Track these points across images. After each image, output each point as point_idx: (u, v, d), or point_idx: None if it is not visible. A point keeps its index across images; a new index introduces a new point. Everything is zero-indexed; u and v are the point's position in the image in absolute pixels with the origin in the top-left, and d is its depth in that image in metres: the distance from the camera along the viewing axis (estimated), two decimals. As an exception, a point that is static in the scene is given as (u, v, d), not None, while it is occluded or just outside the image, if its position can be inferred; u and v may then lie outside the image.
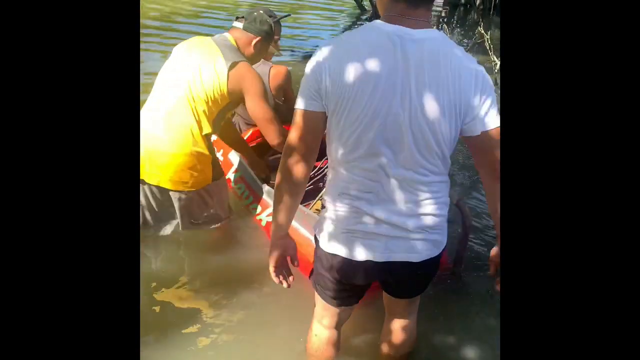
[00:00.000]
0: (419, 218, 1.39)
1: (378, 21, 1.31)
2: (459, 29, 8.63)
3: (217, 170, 2.38)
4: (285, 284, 1.54)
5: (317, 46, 5.56)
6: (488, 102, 1.30)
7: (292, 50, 6.53)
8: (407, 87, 1.26)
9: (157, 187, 2.33)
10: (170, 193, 2.35)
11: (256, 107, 2.27)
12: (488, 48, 5.46)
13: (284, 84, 3.02)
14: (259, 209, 2.59)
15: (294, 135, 1.36)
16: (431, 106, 1.27)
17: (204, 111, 2.23)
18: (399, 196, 1.36)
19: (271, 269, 1.51)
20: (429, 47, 1.27)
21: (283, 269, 1.53)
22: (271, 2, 9.41)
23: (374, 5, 8.81)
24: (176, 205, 2.40)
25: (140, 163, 2.27)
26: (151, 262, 2.50)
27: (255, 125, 2.92)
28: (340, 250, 1.44)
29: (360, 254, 1.42)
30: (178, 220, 2.45)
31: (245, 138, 2.90)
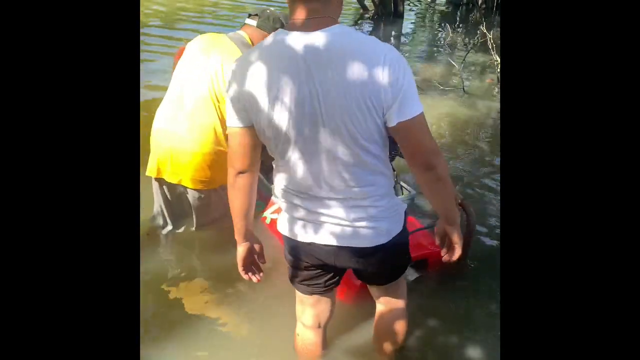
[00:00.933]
0: (356, 210, 1.43)
1: (281, 30, 1.33)
2: (461, 28, 8.61)
3: None
4: (255, 279, 1.64)
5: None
6: (401, 91, 1.26)
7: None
8: (313, 91, 1.28)
9: (175, 185, 2.36)
10: (189, 191, 2.38)
11: None
12: (490, 47, 5.45)
13: None
14: (261, 205, 2.59)
15: (229, 149, 1.47)
16: (340, 105, 1.27)
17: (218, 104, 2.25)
18: (333, 194, 1.41)
19: (239, 268, 1.61)
20: (328, 46, 1.26)
21: (252, 266, 1.64)
22: (273, 1, 9.43)
23: (376, 5, 8.80)
24: (193, 204, 2.44)
25: (161, 162, 2.32)
26: (157, 260, 2.51)
27: None
28: (291, 234, 1.54)
29: (305, 237, 1.51)
30: (194, 218, 2.50)
31: None
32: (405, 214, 1.57)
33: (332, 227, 1.47)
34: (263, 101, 1.32)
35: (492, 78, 5.55)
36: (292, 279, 1.70)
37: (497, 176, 3.44)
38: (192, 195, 2.41)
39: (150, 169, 2.38)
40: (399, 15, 8.76)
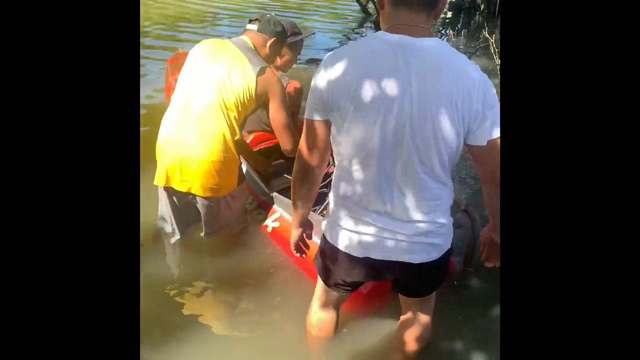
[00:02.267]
0: (417, 224, 1.43)
1: (381, 32, 1.33)
2: (463, 33, 8.62)
3: (241, 174, 2.42)
4: (303, 255, 1.77)
5: (320, 50, 5.55)
6: (492, 111, 1.31)
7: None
8: (408, 96, 1.28)
9: (184, 194, 2.36)
10: (198, 199, 2.39)
11: (278, 113, 2.33)
12: (493, 52, 5.46)
13: (298, 100, 3.04)
14: (262, 213, 2.59)
15: (303, 142, 1.46)
16: (432, 114, 1.29)
17: (234, 117, 2.28)
18: (398, 203, 1.40)
19: (292, 246, 1.73)
20: (431, 56, 1.28)
21: (301, 244, 1.75)
22: (275, 5, 9.46)
23: (378, 10, 8.83)
24: (203, 212, 2.44)
25: (170, 170, 2.30)
26: (161, 265, 2.51)
27: (255, 131, 2.94)
28: (342, 246, 1.51)
29: (359, 252, 1.49)
30: (203, 226, 2.50)
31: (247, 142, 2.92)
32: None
33: (389, 242, 1.46)
34: (348, 94, 1.30)
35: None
36: (326, 281, 1.71)
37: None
38: (201, 203, 2.40)
39: (158, 178, 2.36)
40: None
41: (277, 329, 2.10)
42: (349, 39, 7.86)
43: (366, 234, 1.47)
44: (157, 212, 2.59)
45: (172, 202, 2.48)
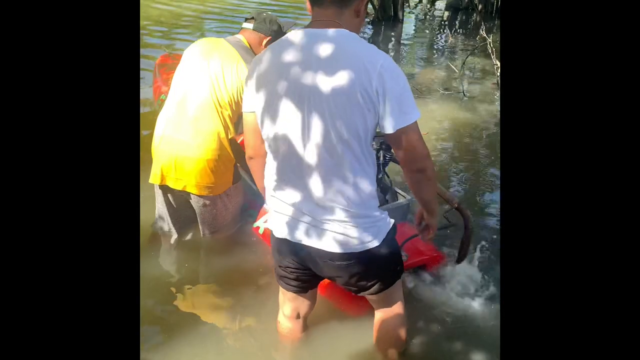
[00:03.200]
0: (329, 210, 1.45)
1: (303, 28, 1.44)
2: (461, 33, 8.63)
3: (237, 172, 2.41)
4: None
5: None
6: (398, 99, 1.33)
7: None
8: (308, 81, 1.37)
9: (179, 193, 2.36)
10: (193, 198, 2.38)
11: None
12: (490, 52, 5.46)
13: None
14: (254, 215, 2.56)
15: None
16: (333, 97, 1.34)
17: (229, 115, 2.27)
18: (313, 186, 1.45)
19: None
20: (334, 42, 1.36)
21: None
22: (273, 4, 9.44)
23: (376, 9, 8.82)
24: (198, 211, 2.44)
25: (165, 169, 2.31)
26: (158, 265, 2.51)
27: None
28: (272, 228, 1.61)
29: (279, 232, 1.57)
30: (200, 226, 2.50)
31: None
32: (393, 229, 1.57)
33: (304, 226, 1.50)
34: (263, 86, 1.44)
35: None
36: (276, 274, 1.76)
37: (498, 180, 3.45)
38: (196, 202, 2.40)
39: (153, 176, 2.37)
40: (398, 20, 8.78)
41: (274, 328, 2.10)
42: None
43: (285, 215, 1.53)
44: (153, 211, 2.59)
45: (167, 201, 2.47)
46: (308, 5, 1.46)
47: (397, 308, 1.77)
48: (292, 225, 1.53)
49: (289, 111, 1.41)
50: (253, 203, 2.63)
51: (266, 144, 1.52)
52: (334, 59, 1.34)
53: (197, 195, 2.35)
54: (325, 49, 1.35)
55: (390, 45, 7.75)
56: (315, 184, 1.44)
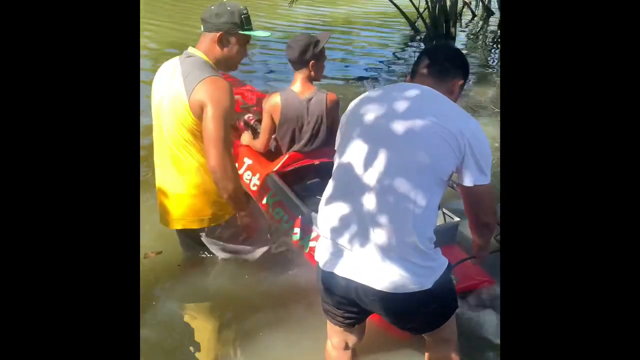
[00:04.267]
0: (392, 248, 1.42)
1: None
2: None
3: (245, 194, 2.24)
4: None
5: (368, 69, 5.53)
6: (478, 157, 1.42)
7: (346, 70, 6.58)
8: (395, 122, 1.44)
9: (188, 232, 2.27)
10: (197, 232, 2.27)
11: (211, 124, 1.91)
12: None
13: (335, 112, 2.91)
14: (298, 233, 2.54)
15: None
16: (423, 138, 1.42)
17: (194, 144, 2.03)
18: (377, 222, 1.43)
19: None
20: (432, 95, 1.49)
21: None
22: (321, 23, 9.55)
23: (427, 26, 8.77)
24: (205, 240, 2.31)
25: (165, 210, 2.19)
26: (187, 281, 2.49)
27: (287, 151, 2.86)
28: (319, 259, 1.58)
29: (328, 266, 1.54)
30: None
31: (280, 163, 2.83)
32: (448, 268, 1.54)
33: (358, 262, 1.47)
34: (352, 125, 1.54)
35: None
36: (322, 306, 1.72)
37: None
38: (201, 235, 2.29)
39: (161, 219, 2.29)
40: (450, 37, 8.70)
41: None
42: (398, 57, 7.82)
43: (337, 248, 1.51)
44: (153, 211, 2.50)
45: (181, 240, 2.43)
46: (408, 77, 1.62)
47: (449, 345, 1.73)
48: (344, 259, 1.49)
49: (365, 148, 1.46)
50: (293, 216, 2.61)
51: (332, 177, 1.57)
52: (433, 109, 1.44)
53: (197, 228, 2.23)
54: (425, 98, 1.47)
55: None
56: (380, 220, 1.42)
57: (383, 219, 1.42)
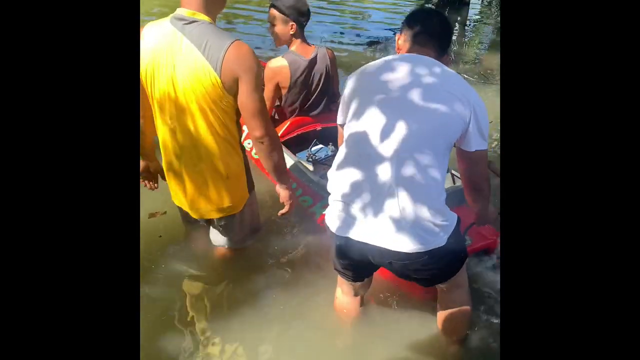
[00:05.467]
0: (409, 209, 1.50)
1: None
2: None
3: (250, 180, 2.07)
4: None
5: (381, 30, 5.38)
6: (481, 124, 1.54)
7: (358, 36, 6.52)
8: (407, 92, 1.53)
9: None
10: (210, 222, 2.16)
11: (249, 97, 1.76)
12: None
13: (336, 66, 2.91)
14: (308, 200, 2.54)
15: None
16: (430, 106, 1.51)
17: (222, 123, 1.83)
18: (393, 186, 1.51)
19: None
20: (437, 66, 1.58)
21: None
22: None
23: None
24: (218, 230, 2.19)
25: (180, 196, 2.03)
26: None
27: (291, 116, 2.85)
28: (332, 224, 1.64)
29: (343, 231, 1.60)
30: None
31: (283, 129, 2.79)
32: (457, 222, 1.63)
33: (374, 225, 1.55)
34: (361, 95, 1.60)
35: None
36: (334, 266, 1.84)
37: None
38: (216, 223, 2.15)
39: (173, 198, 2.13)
40: (464, 3, 8.54)
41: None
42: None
43: (353, 214, 1.58)
44: (153, 206, 2.51)
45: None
46: (400, 42, 1.68)
47: (462, 291, 1.84)
48: (360, 224, 1.57)
49: (381, 117, 1.52)
50: (307, 189, 2.61)
51: (345, 145, 1.62)
52: (442, 79, 1.54)
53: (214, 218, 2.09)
54: (431, 69, 1.55)
55: (455, 29, 7.56)
56: (400, 185, 1.51)
57: (402, 184, 1.50)
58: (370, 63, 1.66)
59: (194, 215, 2.06)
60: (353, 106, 1.60)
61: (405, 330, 2.04)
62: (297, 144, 2.84)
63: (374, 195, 1.53)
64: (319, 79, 2.74)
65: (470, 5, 8.65)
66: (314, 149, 2.80)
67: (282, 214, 2.08)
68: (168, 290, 2.25)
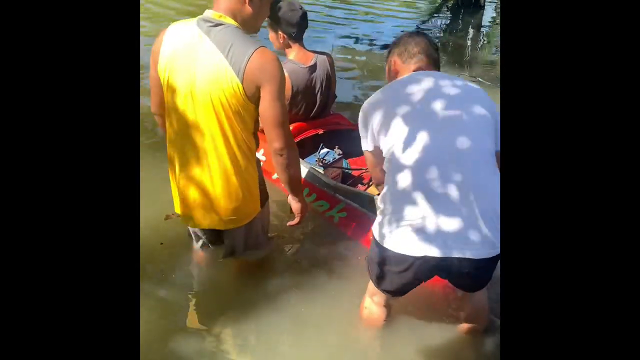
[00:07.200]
0: (480, 216, 1.54)
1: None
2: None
3: (264, 192, 1.97)
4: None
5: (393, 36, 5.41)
6: (499, 131, 1.66)
7: (371, 40, 6.51)
8: (454, 109, 1.64)
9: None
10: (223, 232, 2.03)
11: (272, 108, 1.70)
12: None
13: (334, 70, 2.88)
14: (324, 205, 2.52)
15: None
16: (479, 120, 1.65)
17: (239, 130, 1.74)
18: (466, 193, 1.54)
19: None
20: (459, 81, 1.75)
21: None
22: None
23: (456, -5, 8.57)
24: (228, 242, 2.08)
25: (187, 207, 1.91)
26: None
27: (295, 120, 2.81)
28: (397, 247, 1.60)
29: (416, 251, 1.56)
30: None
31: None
32: None
33: (452, 238, 1.54)
34: (399, 114, 1.67)
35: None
36: (377, 285, 1.79)
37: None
38: (226, 235, 2.05)
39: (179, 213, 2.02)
40: (479, 6, 8.49)
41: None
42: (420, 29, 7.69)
43: (426, 232, 1.55)
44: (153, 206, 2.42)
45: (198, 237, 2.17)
46: (397, 62, 1.84)
47: (485, 291, 1.85)
48: (440, 240, 1.54)
49: (441, 135, 1.59)
50: (322, 194, 2.60)
51: (404, 170, 1.61)
52: (471, 93, 1.71)
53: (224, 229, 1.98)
54: (453, 81, 1.70)
55: (470, 32, 7.52)
56: (469, 192, 1.54)
57: (476, 192, 1.55)
58: (390, 84, 1.77)
59: (201, 225, 1.95)
60: (396, 130, 1.63)
61: (431, 338, 2.02)
62: (301, 149, 2.82)
63: (448, 207, 1.54)
64: (321, 85, 2.73)
65: (485, 8, 8.60)
66: (321, 152, 2.79)
67: (292, 225, 2.06)
68: (173, 292, 2.25)
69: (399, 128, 1.63)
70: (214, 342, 2.02)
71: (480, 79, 5.03)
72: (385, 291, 1.79)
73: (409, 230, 1.57)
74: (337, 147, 2.82)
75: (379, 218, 1.69)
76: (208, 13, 1.69)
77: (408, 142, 1.60)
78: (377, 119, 1.68)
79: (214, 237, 2.11)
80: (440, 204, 1.54)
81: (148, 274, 2.25)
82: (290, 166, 1.81)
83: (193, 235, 2.18)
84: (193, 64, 1.66)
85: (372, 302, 1.93)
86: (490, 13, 8.67)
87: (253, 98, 1.67)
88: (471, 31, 7.61)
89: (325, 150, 2.79)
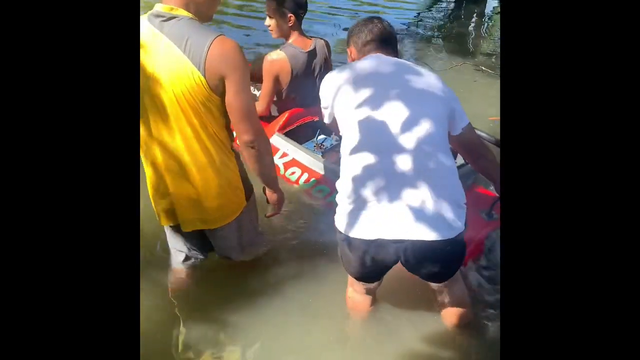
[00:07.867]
0: (435, 196, 1.54)
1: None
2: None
3: (248, 185, 1.91)
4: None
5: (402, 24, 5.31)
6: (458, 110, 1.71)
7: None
8: (411, 90, 1.67)
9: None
10: (207, 232, 1.96)
11: (237, 97, 1.64)
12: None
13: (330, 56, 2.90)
14: (323, 190, 2.51)
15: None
16: (431, 102, 1.66)
17: (209, 125, 1.69)
18: (417, 178, 1.55)
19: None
20: (413, 66, 1.78)
21: None
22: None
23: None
24: (217, 244, 2.02)
25: (167, 209, 1.86)
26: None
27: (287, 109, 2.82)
28: (348, 228, 1.62)
29: (364, 233, 1.59)
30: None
31: (282, 121, 2.77)
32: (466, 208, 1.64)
33: (401, 220, 1.54)
34: (355, 91, 1.68)
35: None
36: (348, 272, 1.81)
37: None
38: (212, 236, 1.98)
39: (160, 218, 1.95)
40: (481, -1, 8.40)
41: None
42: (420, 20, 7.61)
43: (375, 214, 1.57)
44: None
45: (185, 242, 2.07)
46: (354, 51, 1.85)
47: (460, 283, 1.86)
48: (391, 223, 1.55)
49: (389, 111, 1.59)
50: (322, 179, 2.57)
51: (349, 143, 1.64)
52: (421, 73, 1.70)
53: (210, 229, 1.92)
54: (412, 67, 1.73)
55: (472, 21, 7.46)
56: (421, 174, 1.54)
57: (426, 174, 1.55)
58: (349, 63, 1.79)
59: (185, 228, 1.86)
60: (353, 102, 1.65)
61: (416, 325, 2.04)
62: (297, 136, 2.80)
63: (400, 190, 1.54)
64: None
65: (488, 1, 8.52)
66: (319, 138, 2.78)
67: (270, 216, 2.06)
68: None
69: (345, 114, 1.67)
70: (217, 331, 2.04)
71: (483, 68, 5.00)
72: (356, 278, 1.81)
73: (362, 214, 1.58)
74: (333, 133, 2.82)
75: (337, 204, 1.70)
76: (158, 7, 1.60)
77: (356, 128, 1.63)
78: (331, 91, 1.74)
79: (199, 244, 2.04)
80: (392, 187, 1.55)
81: (148, 261, 2.25)
82: (263, 157, 1.76)
83: (172, 251, 2.09)
84: (152, 64, 1.58)
85: (354, 291, 1.96)
86: (493, 2, 8.59)
87: (217, 90, 1.60)
88: (474, 19, 7.55)
89: (322, 136, 2.78)
